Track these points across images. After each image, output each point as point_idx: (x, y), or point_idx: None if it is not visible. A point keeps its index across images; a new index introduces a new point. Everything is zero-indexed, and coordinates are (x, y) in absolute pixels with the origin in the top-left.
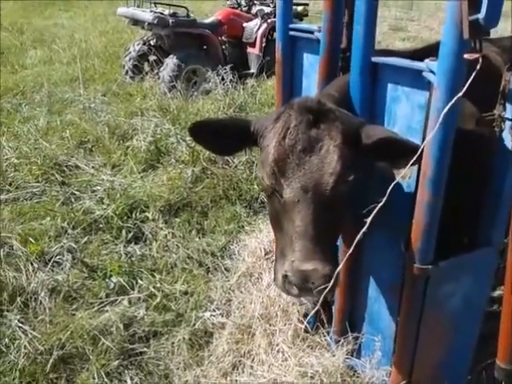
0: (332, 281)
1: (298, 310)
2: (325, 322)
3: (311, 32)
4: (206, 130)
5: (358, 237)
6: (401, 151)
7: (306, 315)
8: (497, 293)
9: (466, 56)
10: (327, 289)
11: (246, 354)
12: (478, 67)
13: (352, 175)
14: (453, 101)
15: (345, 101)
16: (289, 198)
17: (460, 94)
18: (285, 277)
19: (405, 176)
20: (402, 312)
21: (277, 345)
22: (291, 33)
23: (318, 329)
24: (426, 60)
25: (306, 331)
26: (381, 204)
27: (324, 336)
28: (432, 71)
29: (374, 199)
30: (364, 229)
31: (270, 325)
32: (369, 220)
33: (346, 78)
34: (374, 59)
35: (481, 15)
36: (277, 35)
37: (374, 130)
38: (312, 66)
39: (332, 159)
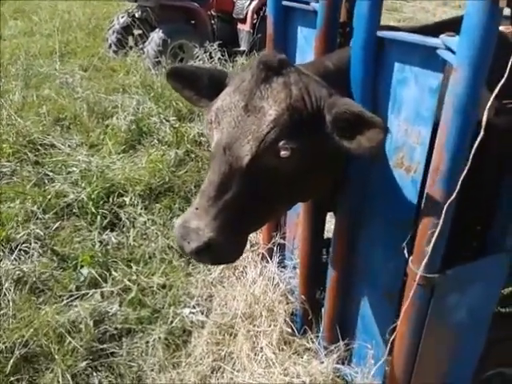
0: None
1: (285, 310)
2: (313, 323)
3: (307, 2)
4: (184, 76)
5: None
6: (362, 129)
7: (292, 315)
8: None
9: (501, 28)
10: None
11: (227, 357)
12: None
13: (287, 151)
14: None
15: (341, 76)
16: (212, 151)
17: (503, 80)
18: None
19: (410, 169)
20: (401, 322)
21: (261, 349)
22: (284, 3)
23: (306, 332)
24: (442, 35)
25: (293, 334)
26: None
27: (312, 340)
28: (450, 49)
29: (372, 190)
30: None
31: (253, 325)
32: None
33: (350, 52)
34: (380, 33)
35: None
36: (268, 5)
37: (337, 101)
38: (307, 41)
39: (263, 123)
